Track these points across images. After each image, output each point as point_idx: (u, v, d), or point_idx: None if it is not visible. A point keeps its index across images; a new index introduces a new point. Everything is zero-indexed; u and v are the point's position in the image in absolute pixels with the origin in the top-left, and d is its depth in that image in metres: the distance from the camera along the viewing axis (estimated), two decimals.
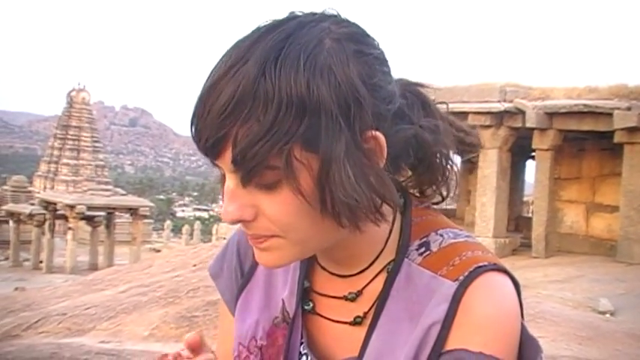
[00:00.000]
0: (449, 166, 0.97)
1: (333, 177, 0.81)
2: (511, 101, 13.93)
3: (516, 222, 16.86)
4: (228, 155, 0.82)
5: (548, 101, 13.68)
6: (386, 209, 0.88)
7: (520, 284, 0.89)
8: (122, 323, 6.27)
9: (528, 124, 13.55)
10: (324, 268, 1.00)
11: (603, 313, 8.50)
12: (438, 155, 0.95)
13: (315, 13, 0.87)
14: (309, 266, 1.01)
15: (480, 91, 14.21)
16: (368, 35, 0.89)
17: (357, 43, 0.85)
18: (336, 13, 0.89)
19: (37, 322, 6.63)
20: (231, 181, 0.85)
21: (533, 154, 15.12)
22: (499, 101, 13.99)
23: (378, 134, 0.85)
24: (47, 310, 7.15)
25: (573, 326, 6.33)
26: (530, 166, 16.32)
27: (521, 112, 13.75)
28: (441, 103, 0.99)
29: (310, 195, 0.83)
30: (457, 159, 1.00)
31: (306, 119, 0.79)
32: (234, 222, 0.86)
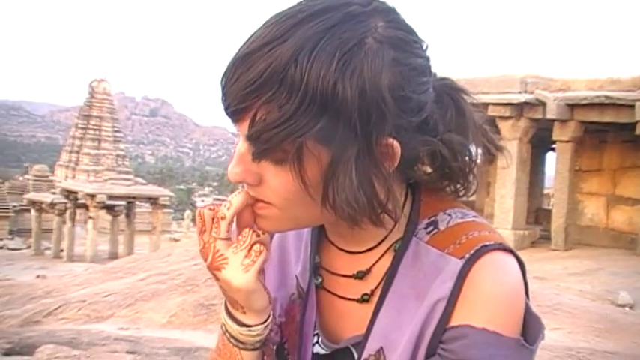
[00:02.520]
0: (471, 175, 0.97)
1: (338, 178, 0.83)
2: (532, 92, 13.83)
3: (536, 214, 16.78)
4: (244, 126, 0.84)
5: (569, 92, 13.57)
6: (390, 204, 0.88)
7: (525, 264, 0.91)
8: (141, 310, 6.34)
9: (549, 116, 13.45)
10: (332, 243, 1.01)
11: (622, 306, 8.45)
12: (459, 166, 0.95)
13: (371, 2, 0.85)
14: (319, 241, 1.03)
15: (500, 82, 14.12)
16: (415, 41, 0.87)
17: (398, 50, 0.84)
18: (390, 8, 0.87)
19: (57, 308, 6.72)
20: (244, 146, 0.87)
21: (553, 146, 15.02)
22: (519, 92, 13.90)
23: (394, 143, 0.85)
24: (67, 297, 7.24)
25: (591, 318, 6.31)
26: (551, 158, 16.22)
27: (541, 104, 13.65)
28: (478, 110, 0.99)
29: (314, 186, 0.84)
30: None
31: (325, 118, 0.80)
32: (237, 182, 0.88)
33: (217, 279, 0.92)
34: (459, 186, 0.97)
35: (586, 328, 5.99)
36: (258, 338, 0.96)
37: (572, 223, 14.11)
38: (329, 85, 0.79)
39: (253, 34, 0.84)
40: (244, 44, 0.84)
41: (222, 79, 0.85)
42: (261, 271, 0.95)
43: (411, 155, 0.90)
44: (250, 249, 0.90)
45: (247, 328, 0.95)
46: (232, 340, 0.96)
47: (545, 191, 19.73)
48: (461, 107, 0.96)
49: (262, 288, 0.93)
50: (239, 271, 0.89)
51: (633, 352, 5.41)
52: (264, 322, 0.95)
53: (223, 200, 0.92)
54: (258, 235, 0.91)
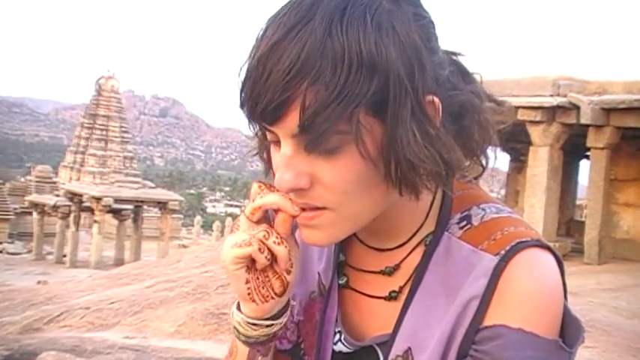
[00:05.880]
0: (491, 131, 0.97)
1: (400, 140, 0.83)
2: (565, 95, 13.73)
3: (568, 226, 16.67)
4: (291, 120, 0.82)
5: (605, 96, 13.45)
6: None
7: (563, 263, 0.90)
8: (148, 319, 6.35)
9: (583, 121, 13.33)
10: (362, 242, 1.01)
11: None
12: (483, 122, 0.95)
13: None
14: (345, 239, 1.02)
15: (531, 85, 14.04)
16: None
17: (414, 6, 0.88)
18: None
19: (59, 315, 6.75)
20: (288, 147, 0.85)
21: (587, 153, 14.92)
22: (552, 95, 13.80)
23: (436, 99, 0.87)
24: (70, 303, 7.27)
25: (626, 337, 6.25)
26: (584, 166, 16.10)
27: (575, 108, 13.54)
28: (475, 72, 1.00)
29: (375, 160, 0.84)
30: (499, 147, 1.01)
31: (376, 80, 0.81)
32: (289, 190, 0.87)
33: None
34: (483, 147, 0.97)
35: (621, 346, 5.93)
36: (246, 333, 0.96)
37: (607, 235, 13.98)
38: (371, 45, 0.81)
39: (269, 28, 0.84)
40: (264, 40, 0.83)
41: (246, 84, 0.84)
42: (286, 269, 0.93)
43: (445, 114, 0.90)
44: (252, 238, 0.89)
45: (239, 314, 0.96)
46: (231, 320, 0.99)
47: (578, 202, 19.60)
48: (463, 68, 0.98)
49: (242, 279, 0.91)
50: (228, 245, 0.91)
51: None
52: (252, 321, 0.95)
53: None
54: (267, 238, 0.89)
